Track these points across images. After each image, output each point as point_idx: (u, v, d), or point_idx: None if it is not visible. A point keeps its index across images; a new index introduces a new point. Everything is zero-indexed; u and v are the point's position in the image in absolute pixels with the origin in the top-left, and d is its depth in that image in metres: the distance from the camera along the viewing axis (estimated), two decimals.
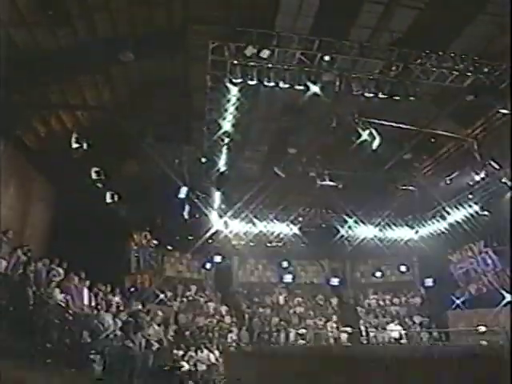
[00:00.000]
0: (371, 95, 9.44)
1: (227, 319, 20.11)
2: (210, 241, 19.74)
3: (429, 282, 20.28)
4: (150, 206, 16.62)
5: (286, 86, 9.24)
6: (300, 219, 18.07)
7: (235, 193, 17.11)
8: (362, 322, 20.75)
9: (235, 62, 9.03)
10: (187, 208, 14.36)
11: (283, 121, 14.62)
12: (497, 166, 13.99)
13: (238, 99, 10.22)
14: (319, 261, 24.97)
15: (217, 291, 22.90)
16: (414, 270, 22.29)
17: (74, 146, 10.77)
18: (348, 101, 10.70)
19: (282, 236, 18.90)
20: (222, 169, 13.05)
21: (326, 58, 8.93)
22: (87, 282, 10.55)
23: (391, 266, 23.00)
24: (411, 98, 9.48)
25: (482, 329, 16.98)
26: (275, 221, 18.13)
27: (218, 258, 20.57)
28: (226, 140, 11.43)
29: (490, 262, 18.19)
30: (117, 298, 12.37)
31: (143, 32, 11.39)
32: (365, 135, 10.67)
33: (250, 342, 18.81)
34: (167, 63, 12.68)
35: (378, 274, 22.25)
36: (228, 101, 10.24)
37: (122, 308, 11.53)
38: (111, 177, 14.55)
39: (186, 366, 12.91)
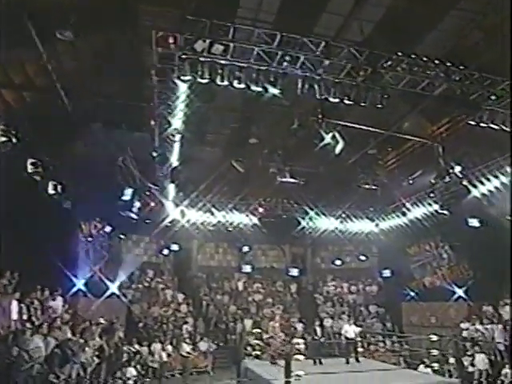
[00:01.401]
0: (336, 100, 8.38)
1: (183, 308, 19.31)
2: (169, 224, 18.57)
3: (386, 272, 20.17)
4: (100, 194, 15.13)
5: (242, 86, 8.00)
6: (260, 210, 17.13)
7: (193, 179, 15.97)
8: (319, 310, 20.61)
9: (184, 56, 7.65)
10: (137, 203, 13.06)
11: (245, 111, 13.39)
12: (459, 168, 13.42)
13: (189, 96, 8.90)
14: (280, 246, 24.48)
15: (175, 276, 22.06)
16: (373, 260, 22.17)
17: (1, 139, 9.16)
18: (311, 101, 9.57)
19: (241, 226, 17.92)
20: (175, 164, 11.81)
21: (288, 57, 7.71)
22: (17, 294, 9.25)
23: (351, 253, 22.83)
24: (379, 106, 8.47)
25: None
26: (234, 211, 17.11)
27: (175, 246, 19.51)
28: (178, 137, 10.19)
29: (445, 256, 18.10)
30: (55, 303, 11.19)
31: (90, 5, 9.69)
32: (328, 138, 9.69)
33: (206, 332, 18.21)
34: (118, 43, 11.03)
35: (338, 262, 21.97)
36: (177, 98, 8.91)
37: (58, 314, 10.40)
38: (55, 165, 13.00)
39: (133, 372, 12.07)
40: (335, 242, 21.82)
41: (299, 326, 18.49)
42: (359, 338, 13.53)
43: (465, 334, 14.86)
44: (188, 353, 14.72)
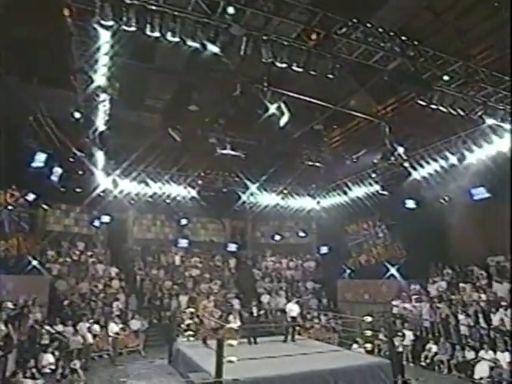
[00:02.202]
0: (283, 65, 7.36)
1: (115, 283, 17.91)
2: (102, 194, 16.83)
3: (324, 249, 20.07)
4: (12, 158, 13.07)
5: (176, 39, 6.70)
6: (199, 182, 15.95)
7: (127, 146, 14.40)
8: (257, 285, 20.17)
9: None
10: (58, 170, 11.35)
11: (186, 75, 11.98)
12: (402, 150, 13.13)
13: (113, 47, 7.41)
14: (220, 219, 23.59)
15: (108, 249, 20.46)
16: (312, 237, 22.02)
17: None
18: (256, 65, 8.47)
19: (179, 199, 16.65)
20: (102, 128, 10.25)
21: (231, 9, 6.50)
22: None
23: (291, 230, 22.56)
24: (329, 76, 7.58)
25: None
26: (172, 183, 15.77)
27: (106, 218, 17.81)
28: (103, 97, 8.68)
29: (381, 235, 18.25)
30: None
31: None
32: (273, 109, 8.71)
33: (138, 309, 17.08)
34: None
35: (278, 237, 21.54)
36: (99, 48, 7.38)
37: None
38: None
39: (50, 359, 10.72)
40: (276, 217, 21.37)
41: (236, 303, 17.92)
42: (300, 317, 13.18)
43: (395, 310, 15.10)
44: (117, 333, 13.53)
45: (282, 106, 8.51)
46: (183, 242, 18.99)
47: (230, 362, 8.66)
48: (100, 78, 8.25)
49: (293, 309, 12.15)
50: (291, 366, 8.88)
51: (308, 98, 10.13)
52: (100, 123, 10.26)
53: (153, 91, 14.30)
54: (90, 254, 19.14)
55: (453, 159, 12.06)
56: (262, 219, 23.00)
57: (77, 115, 9.92)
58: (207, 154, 13.06)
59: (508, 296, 12.31)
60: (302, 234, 21.16)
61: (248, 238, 23.93)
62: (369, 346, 10.52)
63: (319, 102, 10.56)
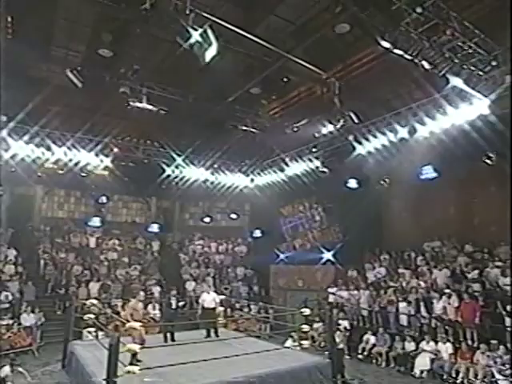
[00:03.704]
0: None
1: (8, 269, 14.50)
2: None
3: (257, 233, 18.22)
4: None
5: None
6: (114, 150, 13.07)
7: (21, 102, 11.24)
8: (182, 271, 17.76)
9: None
10: None
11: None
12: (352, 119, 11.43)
13: None
14: (145, 198, 20.76)
15: (8, 228, 16.79)
16: (244, 219, 20.09)
17: None
18: None
19: (89, 168, 13.58)
20: None
21: None
22: None
23: (223, 211, 20.49)
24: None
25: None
26: (80, 148, 12.68)
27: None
28: None
29: (318, 218, 16.74)
30: None
31: None
32: (196, 36, 6.37)
33: (37, 299, 13.90)
34: None
35: (207, 219, 19.31)
36: None
37: None
38: None
39: None
40: (206, 197, 19.17)
41: (156, 290, 15.46)
42: (221, 308, 11.05)
43: (331, 299, 13.66)
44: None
45: (209, 32, 6.21)
46: (95, 221, 15.95)
47: (130, 372, 6.36)
48: None
49: (206, 299, 9.92)
50: (209, 375, 6.78)
51: (243, 32, 7.83)
52: None
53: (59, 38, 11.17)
54: None
55: (403, 132, 10.59)
56: (191, 199, 20.67)
57: None
58: (120, 111, 10.24)
59: (450, 283, 11.28)
60: (233, 216, 19.16)
61: (176, 220, 21.44)
62: (305, 342, 8.74)
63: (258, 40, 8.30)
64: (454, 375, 9.43)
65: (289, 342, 9.91)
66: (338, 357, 8.41)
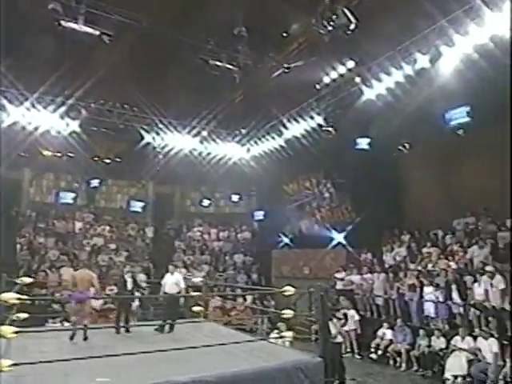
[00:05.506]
0: None
1: None
2: None
3: (259, 215, 15.74)
4: None
5: None
6: (83, 112, 10.94)
7: None
8: (175, 258, 15.51)
9: None
10: None
11: None
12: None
13: None
14: (141, 182, 18.73)
15: None
16: (250, 203, 17.70)
17: None
18: None
19: (54, 134, 11.45)
20: None
21: None
22: None
23: (225, 195, 18.19)
24: None
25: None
26: (39, 107, 10.57)
27: None
28: None
29: (327, 195, 14.08)
30: None
31: None
32: None
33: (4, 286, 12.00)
34: None
35: (206, 202, 17.04)
36: None
37: None
38: None
39: None
40: (207, 182, 16.97)
41: (141, 279, 13.24)
42: (195, 294, 8.68)
43: (339, 285, 11.00)
44: None
45: None
46: (67, 197, 14.20)
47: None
48: None
49: (167, 282, 7.44)
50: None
51: None
52: None
53: None
54: None
55: (423, 61, 7.87)
56: (191, 184, 18.52)
57: None
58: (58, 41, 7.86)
59: (490, 262, 8.41)
60: (235, 199, 16.78)
61: (175, 206, 19.33)
62: (288, 334, 6.22)
63: None
64: (501, 381, 6.64)
65: (273, 334, 7.35)
66: (332, 354, 5.80)
